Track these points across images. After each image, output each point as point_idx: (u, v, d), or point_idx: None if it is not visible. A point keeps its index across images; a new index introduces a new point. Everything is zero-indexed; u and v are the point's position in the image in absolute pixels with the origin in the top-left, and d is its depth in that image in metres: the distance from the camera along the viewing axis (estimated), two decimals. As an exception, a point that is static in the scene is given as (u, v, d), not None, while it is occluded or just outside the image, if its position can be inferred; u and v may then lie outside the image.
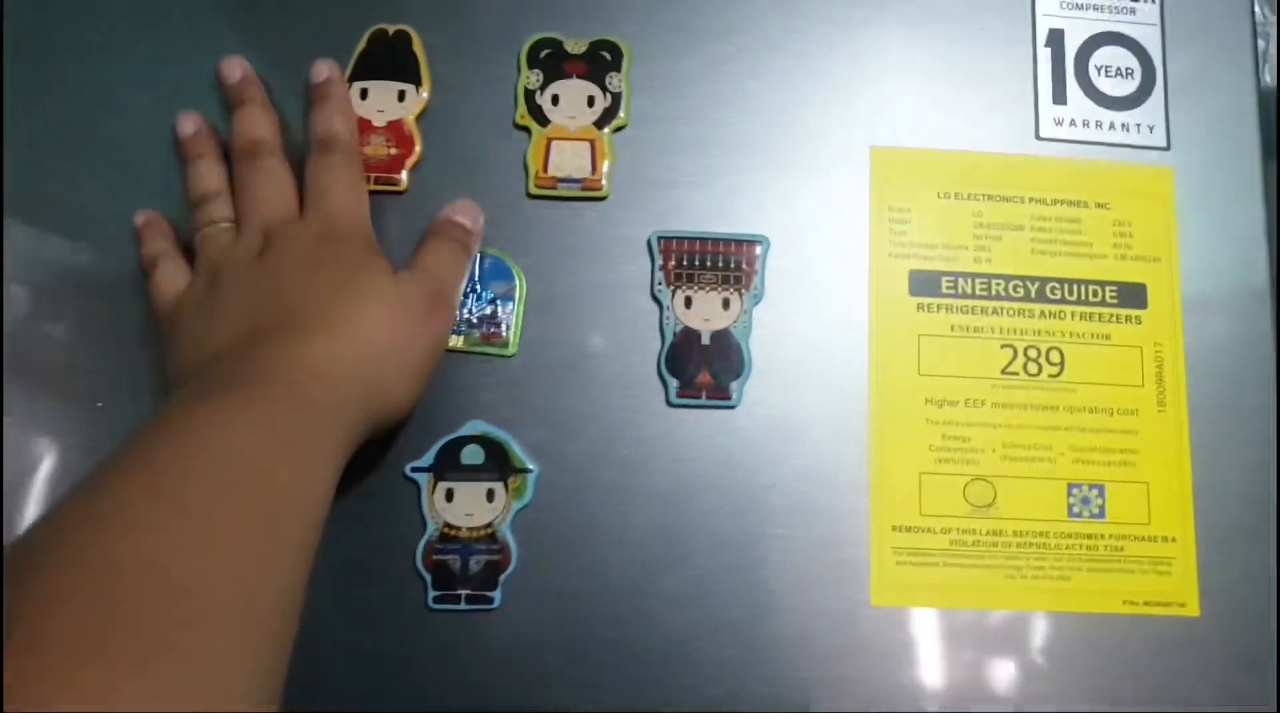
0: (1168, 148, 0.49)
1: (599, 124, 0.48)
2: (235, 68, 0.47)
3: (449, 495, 0.44)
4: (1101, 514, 0.45)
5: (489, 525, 0.44)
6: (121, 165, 0.48)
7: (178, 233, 0.46)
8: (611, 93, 0.48)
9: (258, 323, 0.40)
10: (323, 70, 0.47)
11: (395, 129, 0.48)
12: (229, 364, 0.38)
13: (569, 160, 0.47)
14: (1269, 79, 0.51)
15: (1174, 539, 0.45)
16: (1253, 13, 0.51)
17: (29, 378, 0.45)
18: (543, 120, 0.48)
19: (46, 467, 0.44)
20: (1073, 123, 0.49)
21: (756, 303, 0.47)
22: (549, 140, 0.47)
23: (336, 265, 0.42)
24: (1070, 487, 0.46)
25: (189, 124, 0.47)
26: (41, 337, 0.46)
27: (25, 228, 0.47)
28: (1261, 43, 0.49)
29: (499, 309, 0.46)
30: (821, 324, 0.47)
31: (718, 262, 0.47)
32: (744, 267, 0.47)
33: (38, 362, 0.46)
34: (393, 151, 0.47)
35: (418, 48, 0.48)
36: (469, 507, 0.44)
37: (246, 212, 0.44)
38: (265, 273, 0.42)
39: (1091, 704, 0.44)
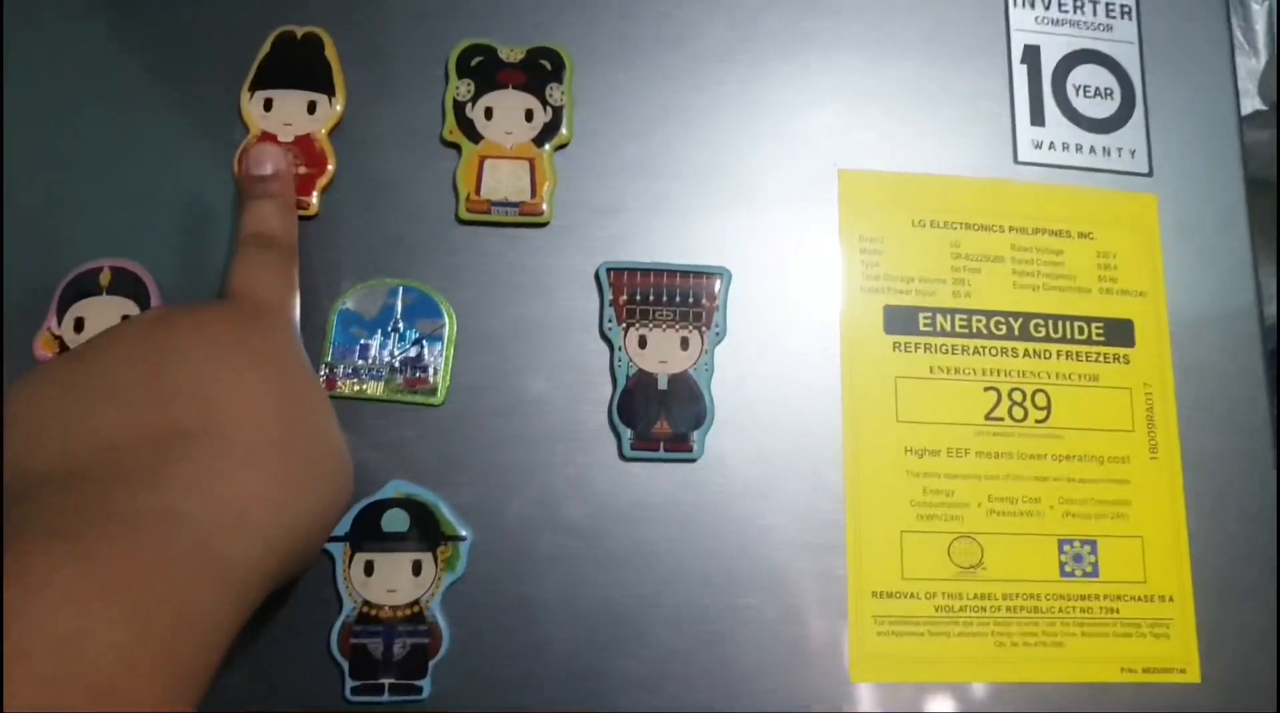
0: (1150, 173, 0.46)
1: (538, 141, 0.44)
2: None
3: (368, 569, 0.40)
4: (1095, 573, 0.42)
5: (415, 603, 0.40)
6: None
7: None
8: (552, 106, 0.44)
9: None
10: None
11: (304, 144, 0.43)
12: None
13: (505, 181, 0.43)
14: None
15: (1171, 598, 0.42)
16: (1229, 34, 0.48)
17: None
18: (474, 136, 0.43)
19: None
20: (1052, 145, 0.46)
21: (718, 342, 0.42)
22: (482, 159, 0.43)
23: None
24: (1061, 543, 0.42)
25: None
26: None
27: None
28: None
29: (425, 351, 0.42)
30: (790, 365, 0.43)
31: (675, 296, 0.42)
32: (704, 302, 0.42)
33: None
34: (302, 170, 0.43)
35: (330, 53, 0.44)
36: (392, 581, 0.39)
37: None
38: None
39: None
